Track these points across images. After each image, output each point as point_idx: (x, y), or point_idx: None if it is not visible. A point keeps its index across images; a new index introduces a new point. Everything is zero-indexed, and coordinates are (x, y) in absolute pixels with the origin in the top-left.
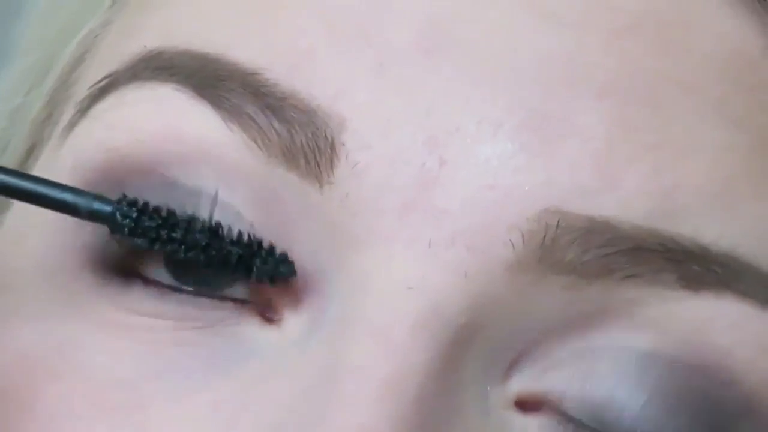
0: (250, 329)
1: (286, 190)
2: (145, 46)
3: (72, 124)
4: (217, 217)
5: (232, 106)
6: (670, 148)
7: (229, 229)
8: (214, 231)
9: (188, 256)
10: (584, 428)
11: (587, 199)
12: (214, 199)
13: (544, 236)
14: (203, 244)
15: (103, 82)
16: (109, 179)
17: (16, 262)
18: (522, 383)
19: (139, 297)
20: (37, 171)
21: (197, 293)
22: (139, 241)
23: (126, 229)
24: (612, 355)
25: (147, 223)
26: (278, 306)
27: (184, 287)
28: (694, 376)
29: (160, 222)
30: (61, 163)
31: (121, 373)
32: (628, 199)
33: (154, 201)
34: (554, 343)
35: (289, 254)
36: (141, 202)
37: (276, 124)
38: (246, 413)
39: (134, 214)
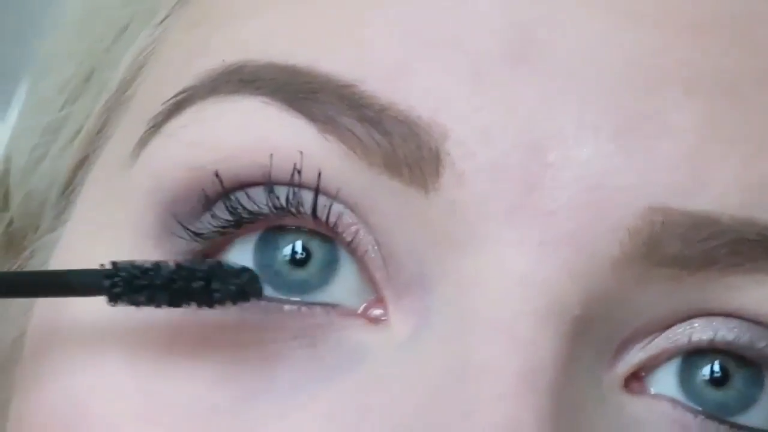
0: (354, 333)
1: (389, 196)
2: (223, 61)
3: (143, 142)
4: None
5: (327, 118)
6: (755, 140)
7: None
8: (179, 266)
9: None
10: (687, 408)
11: (686, 195)
12: (314, 207)
13: (650, 233)
14: (168, 279)
15: (178, 98)
16: (196, 197)
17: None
18: (628, 366)
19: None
20: (93, 186)
21: (285, 301)
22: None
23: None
24: (713, 338)
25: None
26: (383, 297)
27: (272, 296)
28: None
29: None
30: (136, 182)
31: (216, 399)
32: (723, 193)
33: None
34: (658, 329)
35: (391, 257)
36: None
37: (376, 136)
38: (367, 420)
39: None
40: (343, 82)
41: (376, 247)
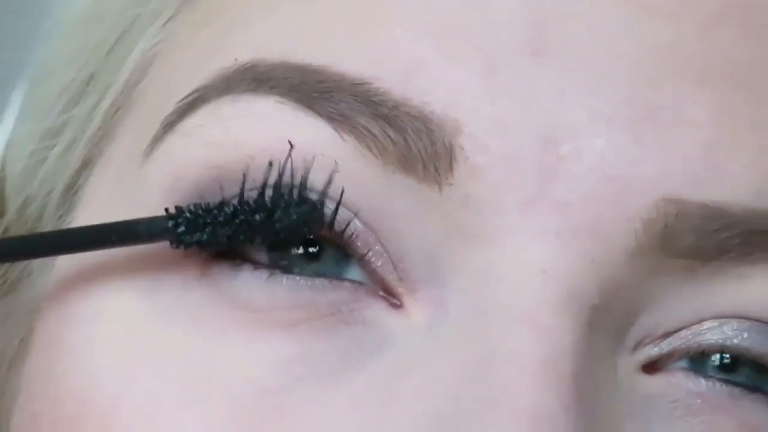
0: (379, 314)
1: (403, 193)
2: (235, 60)
3: (156, 140)
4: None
5: (343, 117)
6: (767, 131)
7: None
8: (241, 202)
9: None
10: (700, 374)
11: (701, 186)
12: (335, 210)
13: (664, 224)
14: (231, 214)
15: (191, 97)
16: (211, 194)
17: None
18: (647, 353)
19: (249, 284)
20: (99, 187)
21: (312, 275)
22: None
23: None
24: (723, 322)
25: (200, 220)
26: (397, 292)
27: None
28: None
29: (204, 215)
30: (150, 181)
31: (266, 382)
32: (736, 184)
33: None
34: (672, 315)
35: (401, 261)
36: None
37: (391, 133)
38: (391, 409)
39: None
40: (357, 80)
41: (386, 255)
